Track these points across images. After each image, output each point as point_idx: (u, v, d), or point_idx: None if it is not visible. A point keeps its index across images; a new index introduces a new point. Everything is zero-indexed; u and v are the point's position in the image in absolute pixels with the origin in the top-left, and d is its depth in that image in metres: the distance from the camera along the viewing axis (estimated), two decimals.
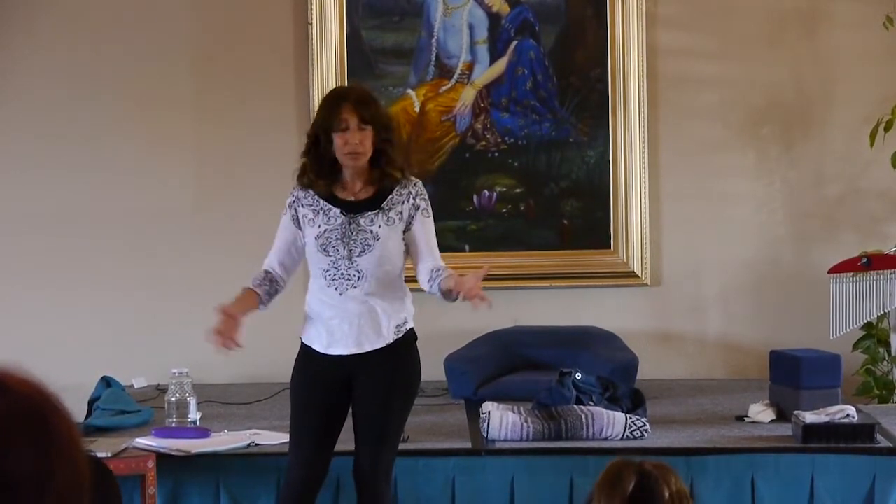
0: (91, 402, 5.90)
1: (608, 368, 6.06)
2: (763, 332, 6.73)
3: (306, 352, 4.73)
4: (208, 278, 6.74)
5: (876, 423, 5.40)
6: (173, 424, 5.50)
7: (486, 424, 5.40)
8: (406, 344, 4.70)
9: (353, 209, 4.65)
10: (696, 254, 6.83)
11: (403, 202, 4.67)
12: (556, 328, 6.56)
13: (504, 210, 6.80)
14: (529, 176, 6.79)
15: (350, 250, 4.61)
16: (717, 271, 6.83)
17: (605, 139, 6.75)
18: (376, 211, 4.64)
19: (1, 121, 6.78)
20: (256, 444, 5.33)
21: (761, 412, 5.66)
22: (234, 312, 4.61)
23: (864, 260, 6.04)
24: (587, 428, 5.35)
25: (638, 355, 6.33)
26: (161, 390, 6.12)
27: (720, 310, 6.84)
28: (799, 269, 6.78)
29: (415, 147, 6.76)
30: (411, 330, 4.73)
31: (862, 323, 6.18)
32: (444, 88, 6.78)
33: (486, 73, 6.77)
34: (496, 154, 6.79)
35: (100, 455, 4.82)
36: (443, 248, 6.68)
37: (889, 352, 6.39)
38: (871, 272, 6.03)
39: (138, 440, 5.25)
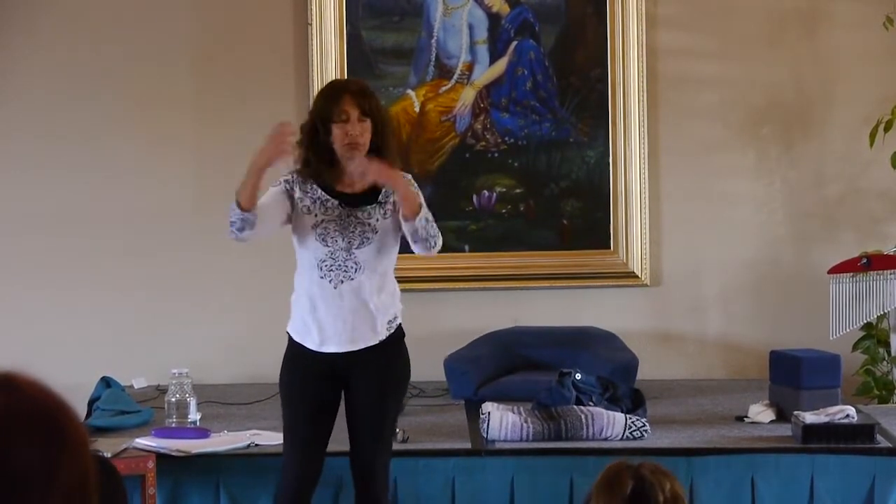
0: (91, 403, 5.90)
1: (608, 369, 6.06)
2: (763, 333, 6.73)
3: (297, 349, 4.69)
4: (208, 278, 6.75)
5: (876, 424, 5.40)
6: (173, 425, 5.50)
7: (486, 425, 5.40)
8: (397, 340, 4.69)
9: (351, 202, 4.64)
10: (696, 254, 6.83)
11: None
12: (556, 328, 6.56)
13: (504, 210, 6.80)
14: (529, 176, 6.79)
15: (349, 242, 4.60)
16: (717, 271, 6.83)
17: (605, 139, 6.75)
18: (374, 204, 4.64)
19: (1, 121, 6.78)
20: (256, 445, 5.33)
21: (761, 412, 5.66)
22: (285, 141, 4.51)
23: (864, 260, 6.04)
24: (587, 428, 5.35)
25: (638, 355, 6.33)
26: (161, 390, 6.12)
27: (720, 310, 6.84)
28: (799, 269, 6.78)
29: (415, 147, 6.76)
30: (401, 325, 4.72)
31: (862, 323, 6.18)
32: (444, 89, 6.78)
33: (485, 73, 6.77)
34: (496, 154, 6.79)
35: None
36: (443, 248, 6.70)
37: (889, 352, 6.39)
38: (871, 272, 6.03)
39: (138, 440, 5.25)
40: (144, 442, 5.24)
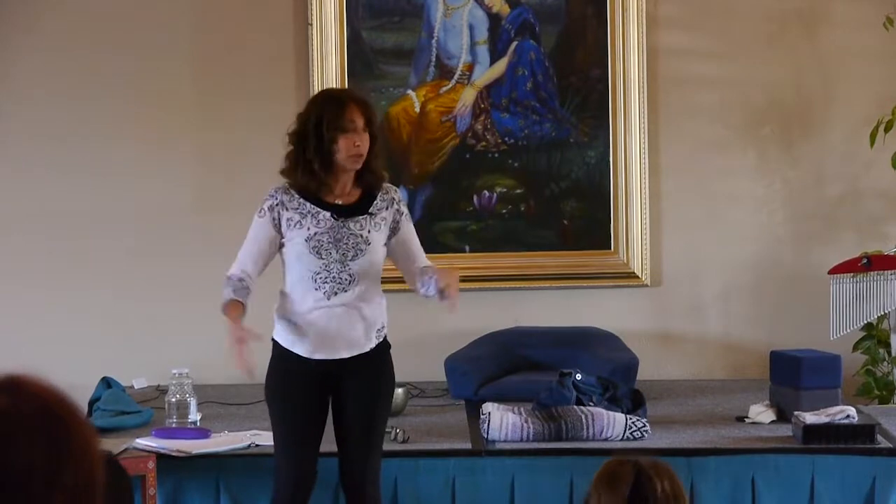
0: (91, 403, 5.90)
1: (608, 369, 6.06)
2: (763, 333, 6.74)
3: (285, 356, 4.65)
4: (208, 278, 6.72)
5: (876, 424, 5.40)
6: (173, 425, 5.50)
7: (486, 425, 5.40)
8: (386, 348, 4.71)
9: (342, 213, 4.61)
10: (696, 254, 6.83)
11: (387, 207, 4.66)
12: (556, 329, 6.57)
13: (504, 210, 6.81)
14: (530, 176, 6.79)
15: (343, 254, 4.58)
16: (718, 271, 6.83)
17: (605, 139, 6.75)
18: (364, 216, 4.63)
19: (1, 121, 6.78)
20: (256, 445, 5.33)
21: (762, 413, 5.66)
22: (241, 332, 4.48)
23: (865, 260, 6.04)
24: (587, 428, 5.35)
25: (638, 356, 6.33)
26: (161, 391, 6.12)
27: (720, 310, 6.84)
28: (799, 269, 6.78)
29: (415, 148, 6.76)
30: (386, 335, 4.73)
31: (862, 323, 6.18)
32: (445, 89, 6.78)
33: (486, 73, 6.77)
34: (496, 154, 6.79)
35: None
36: (443, 248, 6.73)
37: (889, 352, 6.39)
38: (872, 273, 6.03)
39: (138, 441, 5.25)
40: (145, 442, 5.24)
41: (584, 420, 5.37)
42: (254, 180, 6.66)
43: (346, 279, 4.58)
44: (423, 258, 4.72)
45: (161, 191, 6.78)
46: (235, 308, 4.55)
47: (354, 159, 4.57)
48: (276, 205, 4.63)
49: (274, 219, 4.63)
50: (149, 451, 5.14)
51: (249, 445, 5.33)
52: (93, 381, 6.03)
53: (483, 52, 6.78)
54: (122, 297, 6.74)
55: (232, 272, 4.65)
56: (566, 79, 6.76)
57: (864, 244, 6.49)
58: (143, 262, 6.75)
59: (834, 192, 6.84)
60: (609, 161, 6.76)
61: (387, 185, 4.71)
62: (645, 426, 5.40)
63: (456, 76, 6.78)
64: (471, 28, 6.76)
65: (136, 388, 6.43)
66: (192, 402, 5.56)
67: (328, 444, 4.74)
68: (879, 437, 5.29)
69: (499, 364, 6.35)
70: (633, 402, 5.66)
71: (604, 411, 5.44)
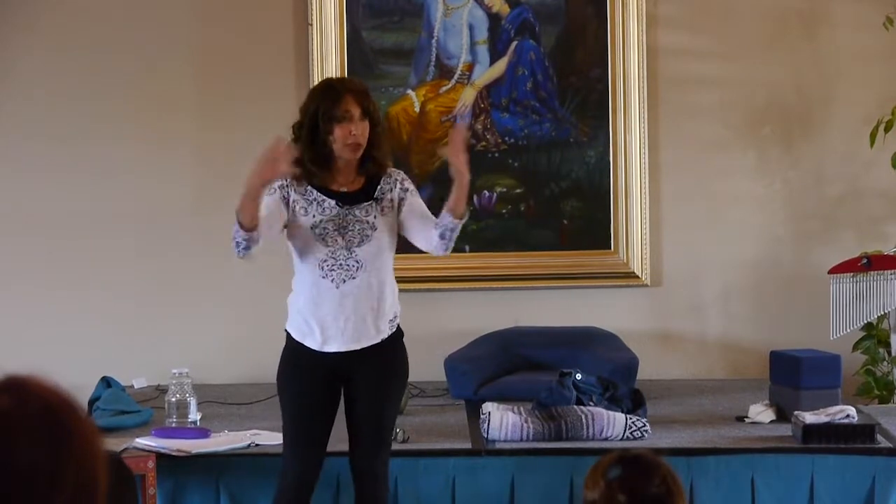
0: (91, 403, 5.90)
1: (608, 369, 6.06)
2: (763, 333, 6.74)
3: (297, 348, 4.67)
4: (208, 278, 6.75)
5: (876, 424, 5.40)
6: (173, 424, 5.50)
7: (486, 425, 5.40)
8: (397, 339, 4.69)
9: (346, 200, 4.63)
10: (696, 254, 6.83)
11: (392, 189, 4.66)
12: (556, 328, 6.57)
13: (504, 210, 6.81)
14: (529, 176, 6.80)
15: (348, 240, 4.59)
16: (718, 271, 6.83)
17: (605, 139, 6.76)
18: (370, 202, 4.63)
19: (1, 121, 6.78)
20: (256, 445, 5.33)
21: (761, 412, 5.67)
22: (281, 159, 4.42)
23: (865, 260, 6.04)
24: (587, 428, 5.35)
25: (638, 355, 6.33)
26: (161, 390, 6.12)
27: (720, 310, 6.84)
28: (799, 269, 6.78)
29: (415, 147, 6.76)
30: (399, 324, 4.72)
31: (862, 323, 6.18)
32: (445, 89, 6.78)
33: (486, 73, 6.78)
34: (496, 154, 6.79)
35: None
36: None
37: (889, 352, 6.39)
38: (872, 272, 6.03)
39: (138, 440, 5.25)
40: (144, 442, 5.24)
41: (584, 420, 5.37)
42: None
43: (352, 265, 4.58)
44: (432, 219, 4.66)
45: (161, 191, 6.78)
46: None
47: (351, 148, 4.58)
48: (286, 185, 4.65)
49: (284, 196, 4.65)
50: (149, 451, 5.14)
51: (249, 445, 5.33)
52: (92, 380, 6.03)
53: (483, 51, 6.78)
54: (122, 297, 6.74)
55: None
56: (566, 79, 6.76)
57: (864, 244, 6.49)
58: (142, 262, 6.75)
59: (834, 191, 6.84)
60: (609, 161, 6.76)
61: (392, 170, 4.72)
62: (645, 426, 5.40)
63: (456, 76, 6.78)
64: (471, 28, 6.77)
65: (135, 387, 6.43)
66: (192, 402, 5.56)
67: (337, 443, 4.74)
68: (879, 437, 5.29)
69: (499, 364, 6.35)
70: (633, 402, 5.66)
71: (604, 411, 5.44)
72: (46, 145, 6.75)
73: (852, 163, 6.78)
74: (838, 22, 6.80)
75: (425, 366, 6.44)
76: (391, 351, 4.66)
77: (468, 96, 6.77)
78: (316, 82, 6.60)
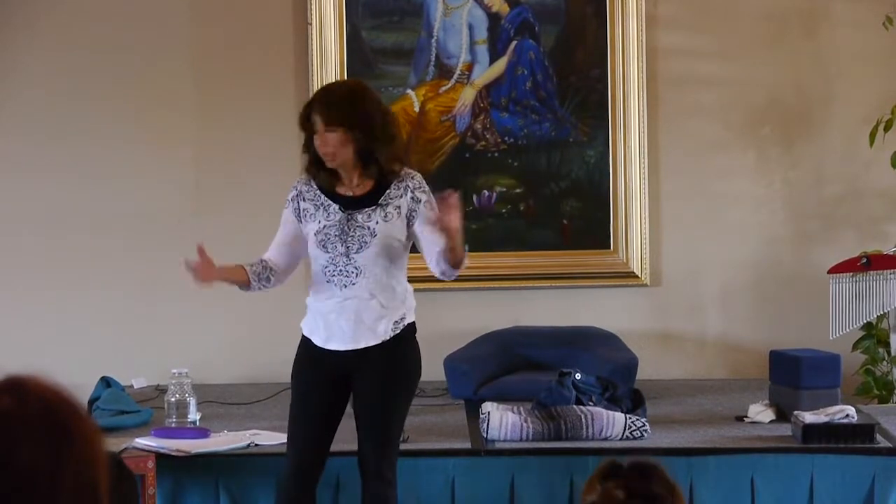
0: (91, 403, 5.90)
1: (608, 368, 6.06)
2: (763, 332, 6.73)
3: (306, 343, 4.73)
4: None
5: (875, 424, 5.40)
6: (173, 424, 5.50)
7: (485, 424, 5.40)
8: (404, 340, 4.67)
9: (350, 205, 4.63)
10: (695, 254, 6.83)
11: (402, 196, 4.63)
12: (555, 328, 6.56)
13: (504, 210, 6.80)
14: (529, 176, 6.79)
15: (347, 247, 4.60)
16: (717, 271, 6.83)
17: (604, 139, 6.75)
18: (374, 207, 4.62)
19: (1, 121, 6.78)
20: (256, 445, 5.33)
21: (761, 412, 5.66)
22: (210, 260, 4.56)
23: (864, 260, 6.04)
24: (587, 428, 5.35)
25: (638, 355, 6.33)
26: (161, 390, 6.12)
27: (720, 310, 6.84)
28: (799, 269, 6.78)
29: (414, 147, 6.76)
30: (410, 325, 4.70)
31: (862, 323, 6.18)
32: (444, 88, 6.78)
33: (485, 73, 6.77)
34: (496, 154, 6.79)
35: None
36: None
37: (889, 352, 6.39)
38: (871, 272, 6.02)
39: (138, 440, 5.25)
40: (144, 442, 5.24)
41: (583, 420, 5.37)
42: (253, 180, 6.68)
43: (352, 272, 4.60)
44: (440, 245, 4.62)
45: (161, 190, 6.78)
46: (236, 267, 4.66)
47: (327, 158, 4.58)
48: (296, 196, 4.71)
49: (295, 209, 4.71)
50: (148, 451, 5.14)
51: (249, 445, 5.33)
52: (92, 380, 6.03)
53: (482, 51, 6.78)
54: (122, 297, 6.74)
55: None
56: (566, 78, 6.76)
57: (863, 244, 6.49)
58: (143, 262, 6.75)
59: (834, 191, 6.84)
60: (609, 161, 6.76)
61: (406, 171, 4.68)
62: (644, 426, 5.40)
63: (455, 76, 6.78)
64: (470, 27, 6.76)
65: (135, 387, 6.43)
66: (192, 402, 5.56)
67: (337, 443, 4.75)
68: (879, 437, 5.29)
69: (498, 364, 6.35)
70: (633, 402, 5.66)
71: (603, 411, 5.44)
72: (46, 145, 6.75)
73: (852, 162, 6.78)
74: (838, 22, 6.80)
75: (425, 365, 6.42)
76: (396, 352, 4.65)
77: (468, 96, 6.77)
78: (315, 82, 6.62)
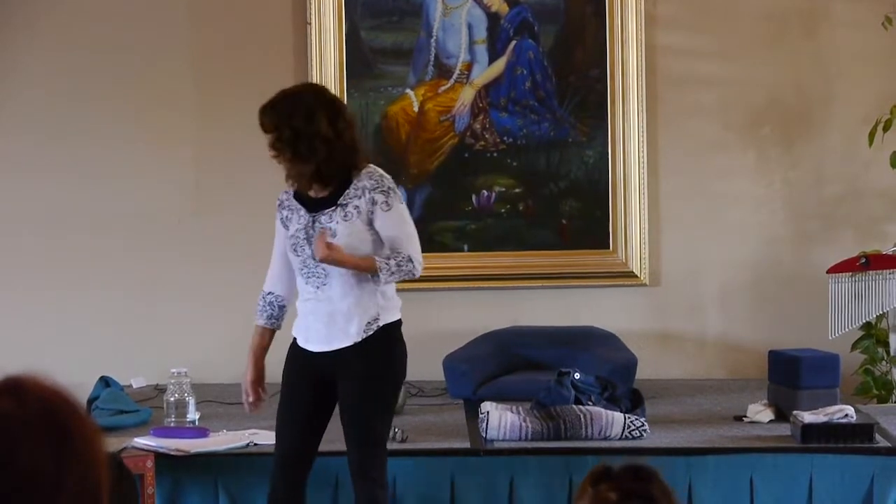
0: (90, 402, 5.90)
1: (607, 368, 6.06)
2: (762, 332, 6.73)
3: (293, 343, 4.80)
4: (208, 279, 6.75)
5: (875, 423, 5.40)
6: (172, 424, 5.50)
7: (484, 424, 5.40)
8: (378, 340, 4.65)
9: (315, 207, 4.66)
10: (695, 254, 6.83)
11: (360, 196, 4.62)
12: (555, 328, 6.56)
13: (503, 210, 6.81)
14: (528, 176, 6.79)
15: (314, 249, 4.63)
16: (717, 271, 6.83)
17: (604, 139, 6.75)
18: (334, 207, 4.64)
19: (1, 121, 6.78)
20: (255, 444, 5.34)
21: (760, 412, 5.66)
22: (255, 378, 4.83)
23: (863, 260, 6.03)
24: (586, 428, 5.35)
25: (637, 355, 6.33)
26: (160, 390, 6.12)
27: (719, 310, 6.84)
28: (798, 269, 6.78)
29: (414, 147, 6.76)
30: (387, 325, 4.68)
31: (861, 323, 6.17)
32: (443, 88, 6.78)
33: (484, 72, 6.77)
34: (495, 154, 6.79)
35: None
36: (442, 247, 6.73)
37: (888, 352, 6.39)
38: (870, 272, 6.02)
39: (137, 440, 5.26)
40: (143, 441, 5.24)
41: (582, 419, 5.37)
42: (253, 180, 6.67)
43: (321, 273, 4.65)
44: (399, 248, 4.63)
45: (161, 190, 6.78)
46: (262, 339, 4.85)
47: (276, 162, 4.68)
48: (279, 205, 4.79)
49: (281, 219, 4.78)
50: (147, 451, 5.14)
51: (248, 445, 5.33)
52: (91, 380, 6.03)
53: (482, 51, 6.78)
54: (122, 297, 6.74)
55: (264, 286, 4.88)
56: (565, 78, 6.76)
57: (863, 243, 6.49)
58: (142, 261, 6.75)
59: (833, 191, 6.84)
60: (608, 160, 6.76)
61: (367, 170, 4.66)
62: (643, 426, 5.40)
63: (455, 75, 6.78)
64: (469, 27, 6.76)
65: (134, 387, 6.43)
66: (191, 402, 5.57)
67: (335, 443, 4.75)
68: (878, 437, 5.29)
69: (497, 363, 6.35)
70: (632, 402, 5.66)
71: (602, 411, 5.44)
72: (46, 145, 6.76)
73: (851, 162, 6.78)
74: (838, 22, 6.80)
75: (424, 365, 6.43)
76: (370, 353, 4.64)
77: (467, 96, 6.77)
78: (314, 81, 6.62)
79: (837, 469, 5.15)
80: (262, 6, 6.77)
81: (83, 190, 6.76)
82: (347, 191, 4.63)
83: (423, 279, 6.64)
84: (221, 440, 5.36)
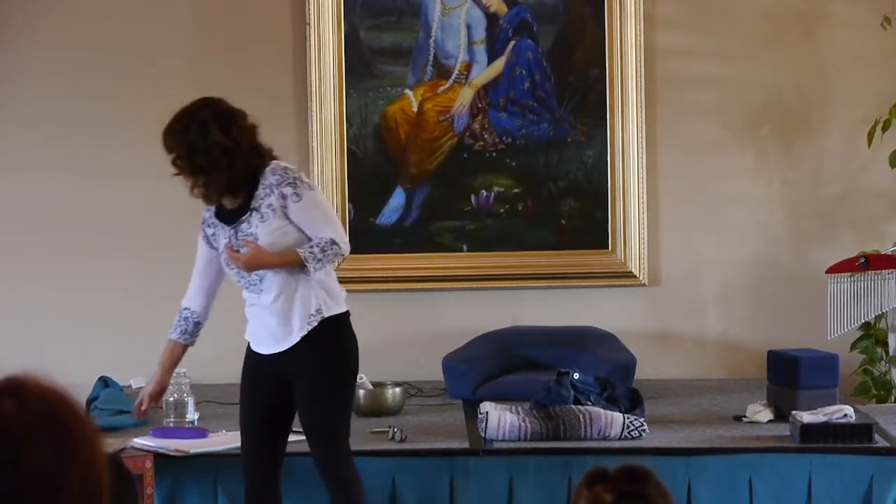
0: (89, 402, 5.91)
1: (606, 368, 6.06)
2: (761, 332, 6.73)
3: (248, 347, 4.84)
4: None
5: (874, 423, 5.40)
6: (171, 424, 5.51)
7: (484, 424, 5.40)
8: (325, 333, 4.64)
9: (232, 218, 4.67)
10: (694, 254, 6.83)
11: (270, 194, 4.61)
12: (554, 328, 6.56)
13: (502, 210, 6.81)
14: (527, 176, 6.80)
15: (235, 265, 4.65)
16: (716, 271, 6.83)
17: (603, 139, 6.76)
18: (249, 213, 4.63)
19: (1, 121, 6.78)
20: None
21: (759, 412, 5.67)
22: (155, 391, 4.91)
23: (862, 260, 6.04)
24: (585, 428, 5.35)
25: (636, 355, 6.33)
26: None
27: (718, 310, 6.84)
28: (797, 269, 6.78)
29: (413, 147, 6.76)
30: (332, 317, 4.65)
31: (860, 323, 6.18)
32: (442, 88, 6.78)
33: (483, 73, 6.78)
34: (494, 154, 6.79)
35: None
36: (441, 248, 6.73)
37: (887, 352, 6.39)
38: (869, 272, 6.03)
39: (136, 440, 5.26)
40: (142, 442, 5.24)
41: (581, 420, 5.37)
42: None
43: (255, 280, 4.67)
44: (320, 233, 4.61)
45: (160, 191, 6.76)
46: (171, 353, 4.99)
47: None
48: (202, 223, 4.82)
49: (205, 237, 4.82)
50: (146, 451, 5.14)
51: None
52: (90, 380, 6.03)
53: (481, 51, 6.78)
54: (121, 297, 6.74)
55: (182, 300, 4.94)
56: (564, 78, 6.76)
57: (862, 244, 6.49)
58: (141, 261, 6.76)
59: (832, 191, 6.84)
60: (607, 160, 6.76)
61: (270, 167, 4.64)
62: (643, 426, 5.40)
63: (454, 76, 6.78)
64: (468, 27, 6.77)
65: (133, 387, 6.43)
66: (190, 402, 5.57)
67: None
68: (877, 437, 5.29)
69: (497, 363, 6.35)
70: (631, 402, 5.66)
71: (602, 411, 5.44)
72: (46, 145, 6.76)
73: (850, 162, 6.79)
74: (837, 22, 6.80)
75: (423, 365, 6.45)
76: (316, 346, 4.62)
77: (466, 96, 6.77)
78: (313, 82, 6.64)
79: (836, 469, 5.15)
80: (262, 6, 6.78)
81: (83, 190, 6.76)
82: (257, 192, 4.61)
83: (422, 279, 6.69)
84: (220, 440, 5.36)
